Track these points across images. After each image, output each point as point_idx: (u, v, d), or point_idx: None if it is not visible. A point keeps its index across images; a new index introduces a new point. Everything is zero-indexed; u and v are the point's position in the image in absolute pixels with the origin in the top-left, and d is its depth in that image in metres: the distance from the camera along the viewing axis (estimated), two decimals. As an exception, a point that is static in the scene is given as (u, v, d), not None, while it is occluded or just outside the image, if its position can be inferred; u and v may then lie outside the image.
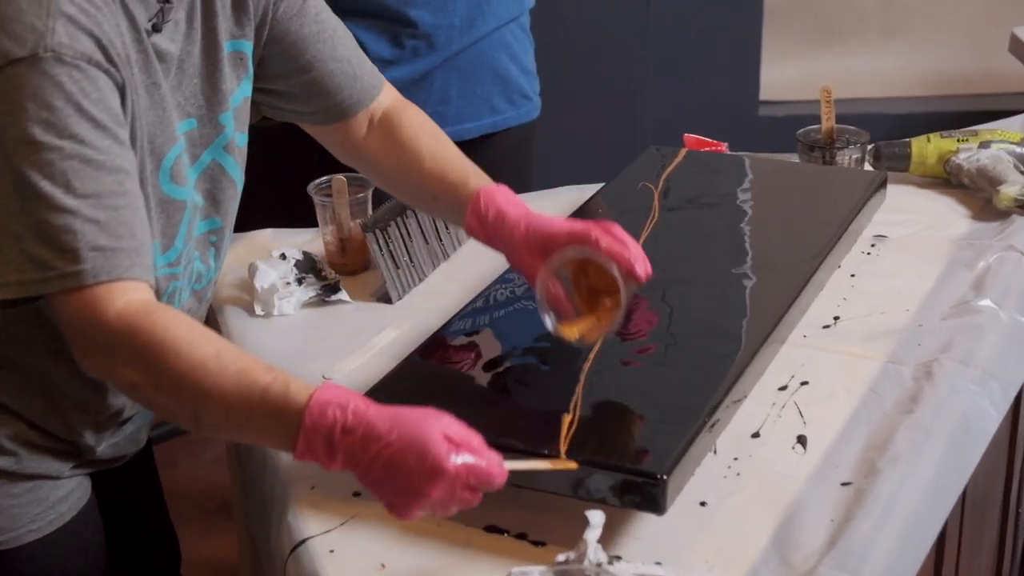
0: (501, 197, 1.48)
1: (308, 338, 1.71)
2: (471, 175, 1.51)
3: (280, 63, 1.48)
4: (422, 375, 1.45)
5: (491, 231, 1.46)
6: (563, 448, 1.28)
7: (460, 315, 1.56)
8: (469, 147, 2.26)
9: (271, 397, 1.18)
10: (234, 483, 1.81)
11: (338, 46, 1.51)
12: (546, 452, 1.28)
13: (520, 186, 2.35)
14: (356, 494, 1.38)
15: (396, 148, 1.55)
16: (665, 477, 1.25)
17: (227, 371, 1.19)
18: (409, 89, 2.16)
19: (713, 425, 1.36)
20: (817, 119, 2.02)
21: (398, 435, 1.16)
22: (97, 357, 1.23)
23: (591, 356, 1.44)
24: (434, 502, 1.16)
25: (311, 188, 1.83)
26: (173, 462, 2.94)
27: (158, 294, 1.35)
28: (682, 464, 1.28)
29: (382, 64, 2.15)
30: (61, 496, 1.42)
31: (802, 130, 2.03)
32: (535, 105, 2.32)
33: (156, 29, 1.30)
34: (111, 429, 1.46)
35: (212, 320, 1.75)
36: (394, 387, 1.41)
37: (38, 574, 1.42)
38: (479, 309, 1.58)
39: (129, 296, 1.20)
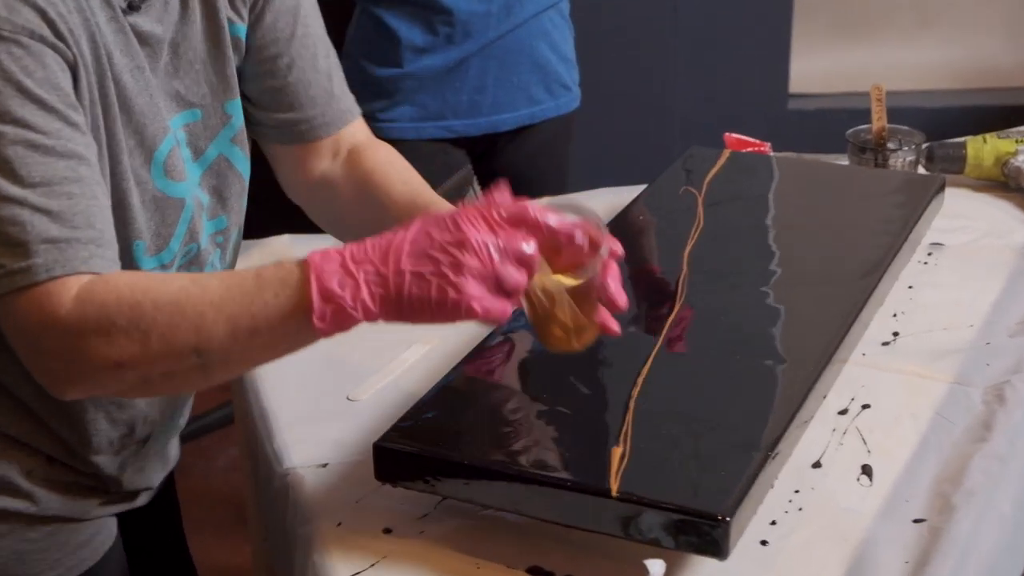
0: None
1: (327, 355, 1.57)
2: (441, 202, 1.36)
3: (257, 63, 1.35)
4: (454, 403, 1.33)
5: None
6: (614, 485, 1.18)
7: (494, 334, 1.44)
8: (504, 139, 2.17)
9: (267, 275, 1.05)
10: (251, 509, 1.71)
11: (320, 57, 1.37)
12: (597, 487, 1.18)
13: (557, 182, 2.26)
14: (387, 531, 1.28)
15: (365, 173, 1.40)
16: (728, 519, 1.14)
17: (210, 284, 1.07)
18: (443, 77, 2.07)
19: (776, 455, 1.25)
20: (849, 113, 1.92)
21: (416, 225, 1.05)
22: (62, 362, 1.08)
23: (639, 380, 1.33)
24: (477, 273, 1.03)
25: None
26: (186, 469, 2.84)
27: None
28: (746, 502, 1.17)
29: (414, 52, 2.06)
30: (82, 540, 1.31)
31: (852, 130, 1.91)
32: (575, 96, 2.23)
33: (133, 7, 1.18)
34: (131, 450, 1.34)
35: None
36: (425, 414, 1.30)
37: None
38: (514, 326, 1.47)
39: (82, 283, 1.06)
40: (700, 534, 1.14)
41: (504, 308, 1.06)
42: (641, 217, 1.69)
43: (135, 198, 1.20)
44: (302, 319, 1.05)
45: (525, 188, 2.16)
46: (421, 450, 1.25)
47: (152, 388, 1.16)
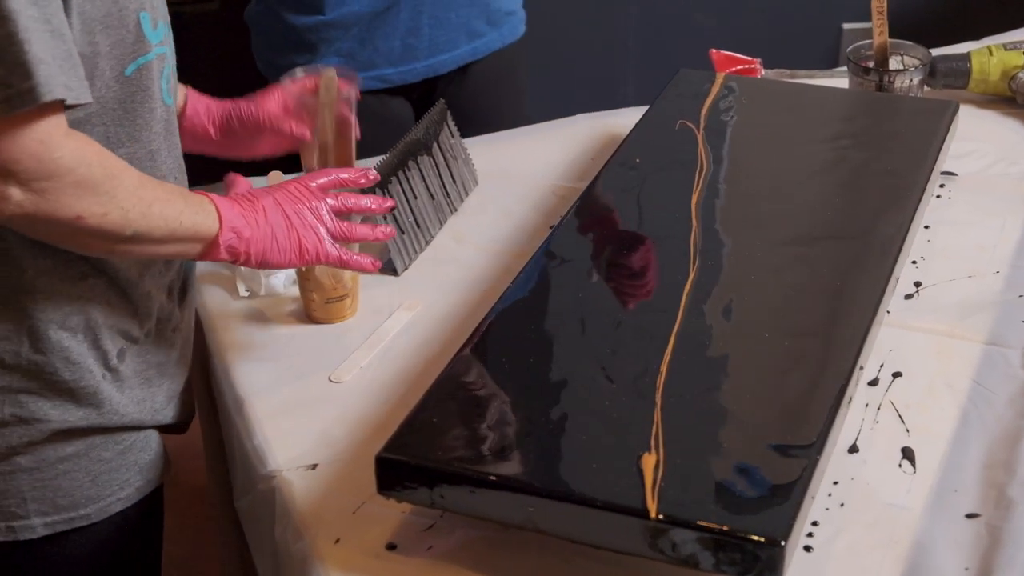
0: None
1: (303, 326, 1.45)
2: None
3: None
4: (460, 400, 1.19)
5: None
6: (652, 504, 1.05)
7: (494, 313, 1.30)
8: (444, 81, 1.95)
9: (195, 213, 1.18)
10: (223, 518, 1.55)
11: None
12: (632, 506, 1.05)
13: (514, 115, 2.03)
14: (391, 547, 1.15)
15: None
16: (784, 542, 1.02)
17: (154, 184, 1.15)
18: (372, 23, 1.84)
19: (824, 447, 1.12)
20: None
21: (270, 199, 1.24)
22: (24, 192, 1.06)
23: (663, 367, 1.20)
24: (313, 227, 1.24)
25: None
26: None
27: (152, 84, 1.19)
28: (800, 515, 1.05)
29: None
30: (150, 460, 1.29)
31: (852, 47, 1.76)
32: (520, 19, 2.00)
33: None
34: (178, 290, 1.32)
35: (188, 303, 1.49)
36: (430, 416, 1.16)
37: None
38: (517, 300, 1.32)
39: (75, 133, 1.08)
40: (751, 559, 1.03)
41: (338, 253, 1.26)
42: (638, 160, 1.54)
43: None
44: (208, 252, 1.20)
45: (478, 126, 1.92)
46: (430, 462, 1.11)
47: (65, 242, 1.14)
